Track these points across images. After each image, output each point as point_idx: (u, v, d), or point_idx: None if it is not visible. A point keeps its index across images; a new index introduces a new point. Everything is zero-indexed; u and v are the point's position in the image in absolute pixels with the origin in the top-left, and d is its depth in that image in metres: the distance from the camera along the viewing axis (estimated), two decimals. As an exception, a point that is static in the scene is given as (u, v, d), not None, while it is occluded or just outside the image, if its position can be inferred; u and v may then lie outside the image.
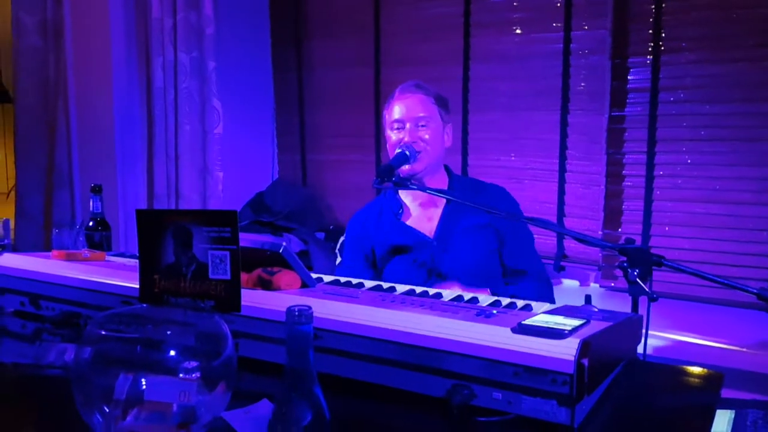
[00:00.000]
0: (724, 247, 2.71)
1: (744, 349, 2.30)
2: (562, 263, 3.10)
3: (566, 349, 1.00)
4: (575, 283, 3.10)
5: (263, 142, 3.94)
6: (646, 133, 2.83)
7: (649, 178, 2.85)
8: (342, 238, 2.41)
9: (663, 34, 2.77)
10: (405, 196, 2.15)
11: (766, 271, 2.62)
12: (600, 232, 2.95)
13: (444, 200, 2.08)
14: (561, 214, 3.08)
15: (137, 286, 1.22)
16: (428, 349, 1.09)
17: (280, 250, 1.32)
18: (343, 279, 1.56)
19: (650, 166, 2.83)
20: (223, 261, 1.10)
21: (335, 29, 3.72)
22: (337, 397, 0.82)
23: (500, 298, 1.41)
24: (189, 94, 3.34)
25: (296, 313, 0.77)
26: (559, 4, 2.99)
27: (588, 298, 1.31)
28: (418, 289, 1.48)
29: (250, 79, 3.76)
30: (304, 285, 1.38)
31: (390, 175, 1.81)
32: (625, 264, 1.49)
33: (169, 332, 0.98)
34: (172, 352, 0.93)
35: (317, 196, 3.80)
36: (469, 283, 1.88)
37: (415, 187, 1.81)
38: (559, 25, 3.00)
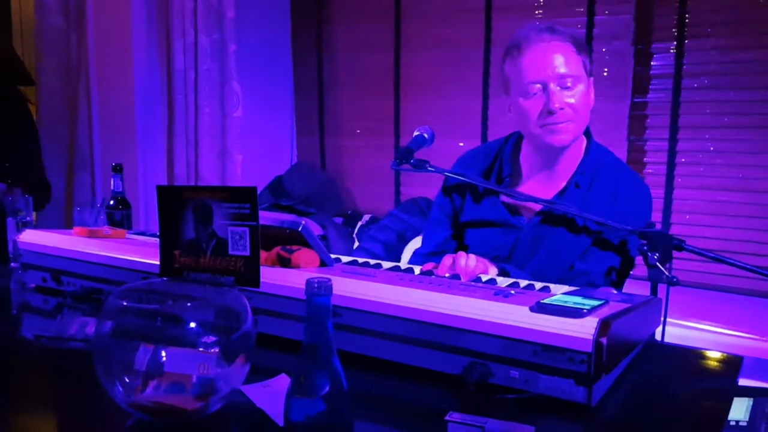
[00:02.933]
0: (747, 235, 2.68)
1: (763, 338, 2.28)
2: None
3: (585, 328, 1.00)
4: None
5: (282, 126, 3.95)
6: (668, 120, 2.80)
7: (671, 166, 2.82)
8: (360, 223, 2.41)
9: (687, 20, 2.74)
10: (524, 159, 1.73)
11: (787, 260, 2.59)
12: (620, 220, 2.92)
13: (565, 180, 1.67)
14: (580, 200, 3.06)
15: (157, 263, 1.23)
16: (446, 327, 1.09)
17: (299, 229, 1.33)
18: (361, 260, 1.56)
19: (672, 153, 2.81)
20: (242, 237, 1.11)
21: (355, 13, 3.70)
22: (355, 374, 0.82)
23: (519, 280, 1.41)
24: (209, 77, 3.35)
25: (316, 285, 0.77)
26: (583, -11, 2.96)
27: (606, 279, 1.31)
28: (416, 270, 1.48)
29: (270, 62, 3.76)
30: (322, 264, 1.38)
31: (408, 157, 1.77)
32: (645, 248, 1.48)
33: (188, 306, 0.99)
34: (192, 325, 0.94)
35: (336, 181, 3.81)
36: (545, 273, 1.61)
37: (432, 169, 1.76)
38: (582, 10, 2.97)
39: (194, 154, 3.39)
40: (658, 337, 1.40)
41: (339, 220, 3.59)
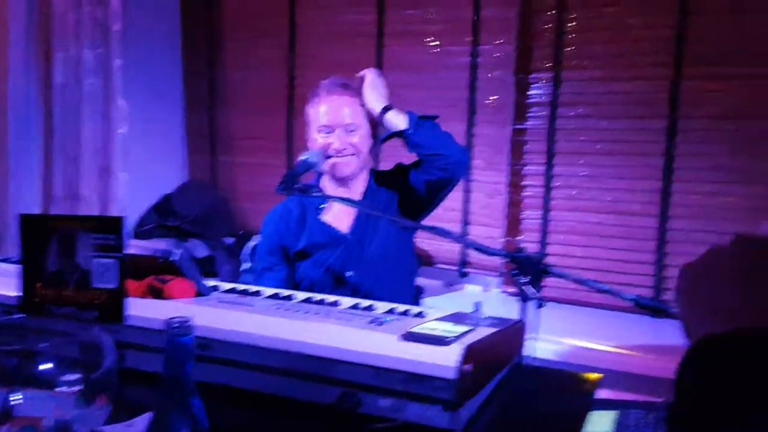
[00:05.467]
0: (616, 255, 2.86)
1: (630, 352, 2.43)
2: (465, 270, 3.19)
3: (450, 356, 1.04)
4: (478, 288, 3.19)
5: (172, 143, 3.85)
6: (545, 146, 2.95)
7: (548, 189, 2.97)
8: (251, 243, 2.39)
9: (564, 52, 2.90)
10: (327, 191, 2.10)
11: (652, 278, 2.79)
12: (502, 240, 3.05)
13: (361, 191, 2.10)
14: (465, 221, 3.17)
15: (18, 295, 1.18)
16: (318, 358, 1.11)
17: (173, 258, 1.31)
18: (241, 287, 1.55)
19: (548, 177, 2.96)
20: (107, 269, 1.08)
21: (249, 30, 3.68)
22: (226, 407, 0.82)
23: (398, 305, 1.44)
24: (92, 92, 3.23)
25: (175, 325, 0.77)
26: (468, 19, 3.07)
27: (478, 305, 1.36)
28: (317, 296, 1.49)
29: (159, 78, 3.67)
30: (198, 293, 1.37)
31: (294, 182, 1.80)
32: (515, 271, 1.55)
33: (48, 344, 0.95)
34: (51, 365, 0.91)
35: (228, 200, 3.75)
36: (378, 279, 1.96)
37: (319, 194, 1.82)
38: (468, 39, 3.09)
39: (74, 172, 3.24)
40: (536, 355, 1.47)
41: (230, 240, 3.53)
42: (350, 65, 3.35)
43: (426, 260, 3.23)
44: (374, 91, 2.03)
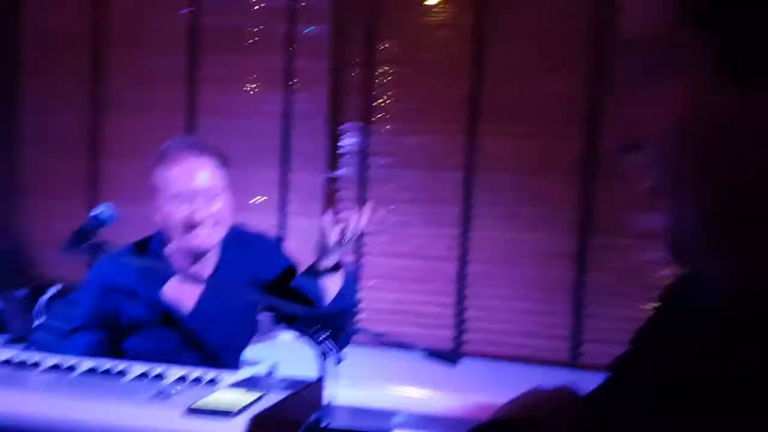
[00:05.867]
0: (421, 298, 3.02)
1: (432, 394, 2.56)
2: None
3: (234, 429, 1.04)
4: (291, 336, 3.19)
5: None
6: (357, 193, 3.06)
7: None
8: (46, 295, 2.22)
9: (373, 104, 3.05)
10: (173, 254, 1.84)
11: (453, 318, 2.97)
12: (317, 285, 3.10)
13: (214, 262, 1.85)
14: (281, 268, 3.18)
15: None
16: (97, 438, 1.06)
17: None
18: (20, 356, 1.43)
19: (361, 224, 3.07)
20: None
21: (51, 66, 3.46)
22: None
23: (192, 370, 1.41)
24: None
25: None
26: (282, 69, 3.13)
27: (273, 368, 1.38)
28: (105, 365, 1.42)
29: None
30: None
31: (84, 240, 1.69)
32: (318, 328, 1.59)
33: None
34: None
35: (20, 247, 3.45)
36: (222, 355, 1.79)
37: (112, 253, 1.71)
38: (281, 87, 3.14)
39: None
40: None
41: (22, 292, 3.25)
42: (161, 108, 3.28)
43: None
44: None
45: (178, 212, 1.72)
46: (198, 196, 1.71)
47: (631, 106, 0.43)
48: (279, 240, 1.99)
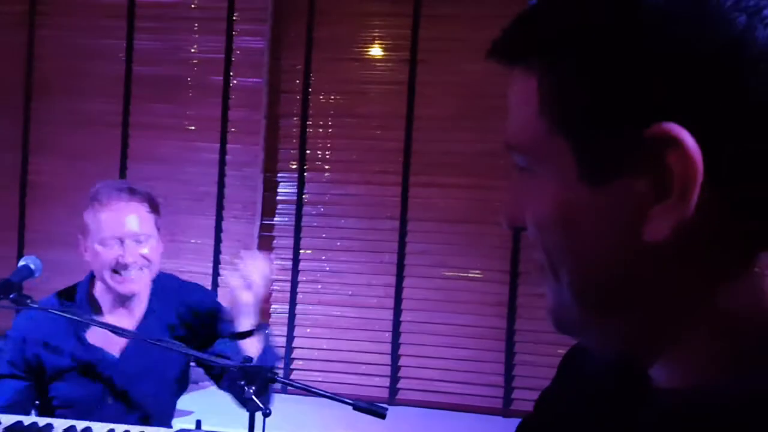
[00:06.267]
0: (356, 346, 3.04)
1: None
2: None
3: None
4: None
5: None
6: (292, 242, 3.09)
7: (294, 283, 3.10)
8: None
9: (307, 154, 3.11)
10: (100, 297, 1.84)
11: (387, 367, 3.00)
12: (250, 333, 3.09)
13: (143, 309, 1.84)
14: (214, 315, 3.16)
15: None
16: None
17: None
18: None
19: (295, 272, 3.09)
20: None
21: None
22: None
23: (115, 428, 1.40)
24: None
25: None
26: (217, 118, 3.16)
27: (198, 423, 1.38)
28: (27, 420, 1.39)
29: None
30: None
31: (9, 291, 1.66)
32: (242, 382, 1.60)
33: None
34: None
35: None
36: (145, 406, 1.76)
37: (35, 306, 1.69)
38: (217, 136, 3.17)
39: None
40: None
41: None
42: (94, 153, 3.26)
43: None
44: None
45: (107, 255, 1.74)
46: (127, 240, 1.74)
47: (513, 195, 0.48)
48: (211, 291, 1.97)
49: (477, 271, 2.98)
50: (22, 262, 1.78)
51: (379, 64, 3.08)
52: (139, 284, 1.77)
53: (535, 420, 0.61)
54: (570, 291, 0.44)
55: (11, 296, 1.64)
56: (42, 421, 1.39)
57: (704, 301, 0.40)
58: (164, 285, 1.90)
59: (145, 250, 1.76)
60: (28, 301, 1.65)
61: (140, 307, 1.84)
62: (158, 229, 1.83)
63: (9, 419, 1.41)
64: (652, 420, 0.42)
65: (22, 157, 3.34)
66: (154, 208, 1.83)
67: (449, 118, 2.98)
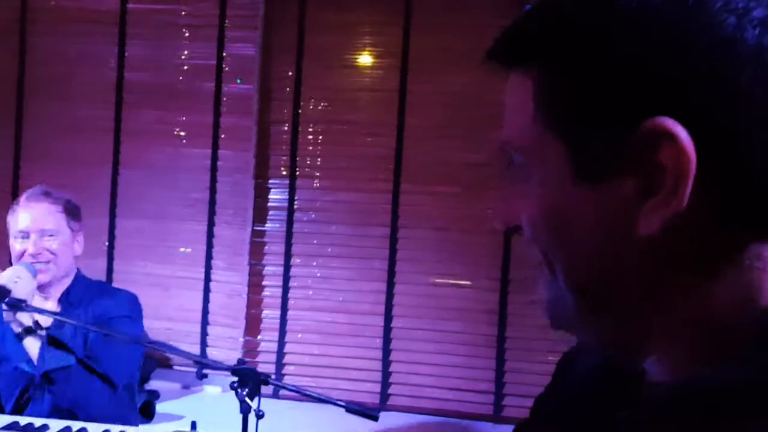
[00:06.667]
0: (347, 352, 3.05)
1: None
2: (204, 371, 3.14)
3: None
4: (217, 389, 3.16)
5: None
6: (283, 248, 3.10)
7: (286, 289, 3.11)
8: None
9: (298, 161, 3.12)
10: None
11: (378, 373, 3.01)
12: (241, 339, 3.09)
13: (55, 306, 1.96)
14: (205, 321, 3.17)
15: None
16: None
17: None
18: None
19: (286, 277, 3.10)
20: None
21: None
22: None
23: (112, 427, 1.41)
24: None
25: None
26: (209, 124, 3.18)
27: (193, 425, 1.39)
28: (23, 421, 1.40)
29: None
30: None
31: (2, 296, 1.69)
32: (236, 384, 1.61)
33: None
34: None
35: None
36: (76, 396, 1.79)
37: (30, 309, 1.72)
38: (208, 142, 3.18)
39: None
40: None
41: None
42: (85, 160, 3.26)
43: (162, 362, 3.13)
44: None
45: (17, 247, 1.93)
46: (33, 234, 1.93)
47: (507, 195, 0.49)
48: (124, 298, 2.07)
49: (467, 279, 3.00)
50: (18, 267, 1.81)
51: (369, 71, 3.11)
52: (46, 275, 1.91)
53: (531, 424, 0.62)
54: (564, 286, 0.45)
55: (6, 300, 1.65)
56: (38, 422, 1.39)
57: (694, 294, 0.41)
58: (88, 287, 2.05)
59: (52, 245, 1.94)
60: (23, 304, 1.67)
61: (53, 302, 1.95)
62: (72, 230, 2.01)
63: (4, 419, 1.41)
64: (644, 415, 0.42)
65: (14, 164, 3.34)
66: (69, 210, 2.02)
67: (439, 126, 3.00)
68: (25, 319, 1.79)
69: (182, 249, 3.21)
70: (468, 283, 2.97)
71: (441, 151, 2.99)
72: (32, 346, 1.82)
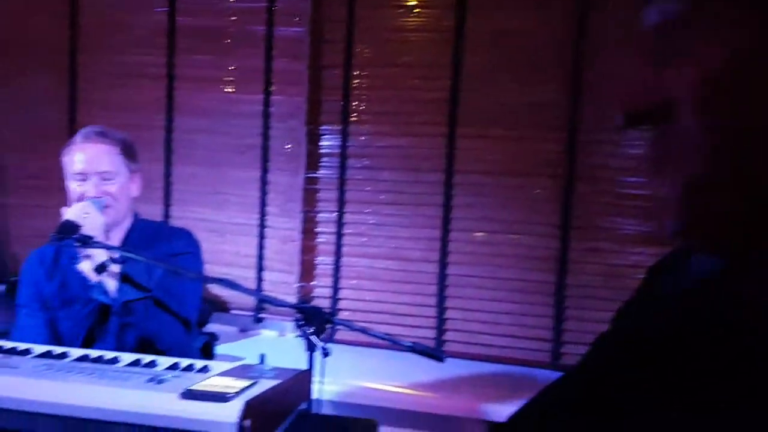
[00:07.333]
0: (401, 299, 3.04)
1: (415, 392, 2.58)
2: (260, 315, 3.19)
3: (230, 412, 1.06)
4: (274, 333, 3.21)
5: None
6: (336, 194, 3.08)
7: (339, 236, 3.09)
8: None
9: (351, 106, 3.07)
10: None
11: (434, 320, 3.00)
12: (296, 285, 3.11)
13: (119, 244, 2.01)
14: (260, 267, 3.19)
15: None
16: (93, 422, 1.06)
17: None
18: (8, 344, 1.43)
19: (340, 224, 3.09)
20: None
21: (25, 65, 3.43)
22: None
23: (181, 360, 1.42)
24: None
25: None
26: (260, 68, 3.14)
27: (262, 357, 1.39)
28: (94, 353, 1.42)
29: None
30: (-46, 356, 1.24)
31: (72, 231, 1.71)
32: (302, 322, 1.61)
33: None
34: None
35: (-4, 245, 3.41)
36: (144, 334, 1.85)
37: (98, 245, 1.74)
38: (260, 87, 3.15)
39: None
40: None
41: (1, 287, 3.21)
42: (138, 107, 3.27)
43: (220, 306, 3.18)
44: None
45: (76, 189, 1.95)
46: (92, 176, 1.93)
47: (658, 67, 0.41)
48: (188, 242, 2.09)
49: (525, 225, 2.92)
50: (85, 203, 1.83)
51: (424, 11, 3.01)
52: (106, 218, 1.91)
53: (609, 332, 0.59)
54: (741, 194, 0.39)
55: (75, 236, 1.67)
56: (108, 354, 1.41)
57: None
58: (145, 229, 2.07)
59: (111, 188, 1.95)
60: (90, 240, 1.69)
61: (116, 241, 1.99)
62: (130, 171, 2.02)
63: (76, 352, 1.43)
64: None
65: (69, 113, 3.37)
66: (126, 151, 2.03)
67: (497, 66, 2.90)
68: (100, 254, 1.80)
69: (235, 195, 3.21)
70: (525, 229, 2.90)
71: (498, 93, 2.90)
72: (109, 281, 1.84)
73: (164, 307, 1.87)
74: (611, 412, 0.46)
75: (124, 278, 1.84)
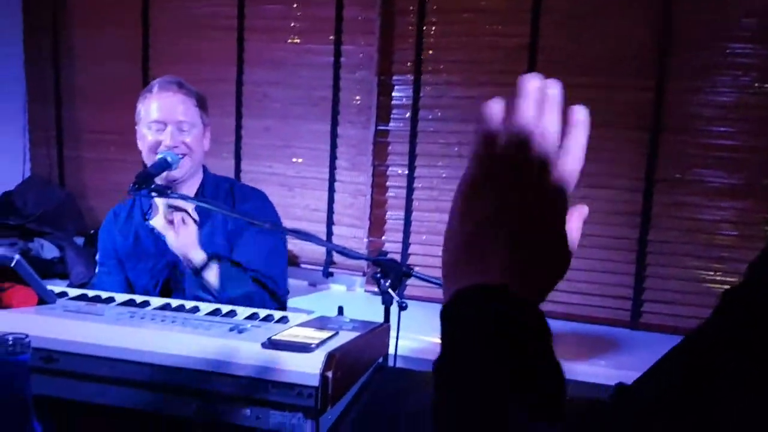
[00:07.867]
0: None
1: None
2: (330, 269, 3.19)
3: (313, 363, 1.03)
4: (342, 287, 3.21)
5: (12, 137, 3.55)
6: (407, 147, 3.01)
7: (410, 190, 3.03)
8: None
9: (424, 56, 2.97)
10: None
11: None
12: (365, 240, 3.08)
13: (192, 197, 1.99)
14: (330, 221, 3.17)
15: None
16: (176, 369, 1.06)
17: (12, 264, 1.20)
18: (91, 293, 1.45)
19: (411, 178, 3.02)
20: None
21: (99, 20, 3.47)
22: (73, 424, 0.75)
23: (259, 311, 1.41)
24: None
25: (9, 342, 0.70)
26: (330, 18, 3.07)
27: (340, 309, 1.36)
28: (174, 303, 1.42)
29: (-3, 67, 3.38)
30: (41, 301, 1.26)
31: (149, 182, 1.71)
32: (378, 275, 1.57)
33: None
34: None
35: (76, 197, 3.51)
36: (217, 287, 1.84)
37: (176, 195, 1.73)
38: (330, 38, 3.08)
39: None
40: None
41: (80, 240, 3.31)
42: (208, 59, 3.26)
43: (290, 260, 3.19)
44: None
45: (151, 137, 1.92)
46: (170, 125, 1.91)
47: None
48: (262, 202, 2.06)
49: (607, 178, 2.78)
50: (159, 156, 1.82)
51: (501, -46, 2.86)
52: (182, 170, 1.90)
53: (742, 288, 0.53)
54: None
55: (152, 186, 1.67)
56: (188, 304, 1.40)
57: None
58: (217, 184, 2.05)
59: (187, 138, 1.92)
60: (168, 191, 1.68)
61: (190, 193, 1.96)
62: (204, 124, 1.99)
63: (157, 301, 1.44)
64: None
65: (143, 65, 3.40)
66: (201, 104, 2.00)
67: (579, 11, 2.74)
68: (179, 203, 1.78)
69: (305, 149, 3.19)
70: (609, 183, 2.76)
71: (580, 40, 2.74)
72: (210, 276, 1.82)
73: (261, 285, 1.87)
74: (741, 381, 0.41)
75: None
